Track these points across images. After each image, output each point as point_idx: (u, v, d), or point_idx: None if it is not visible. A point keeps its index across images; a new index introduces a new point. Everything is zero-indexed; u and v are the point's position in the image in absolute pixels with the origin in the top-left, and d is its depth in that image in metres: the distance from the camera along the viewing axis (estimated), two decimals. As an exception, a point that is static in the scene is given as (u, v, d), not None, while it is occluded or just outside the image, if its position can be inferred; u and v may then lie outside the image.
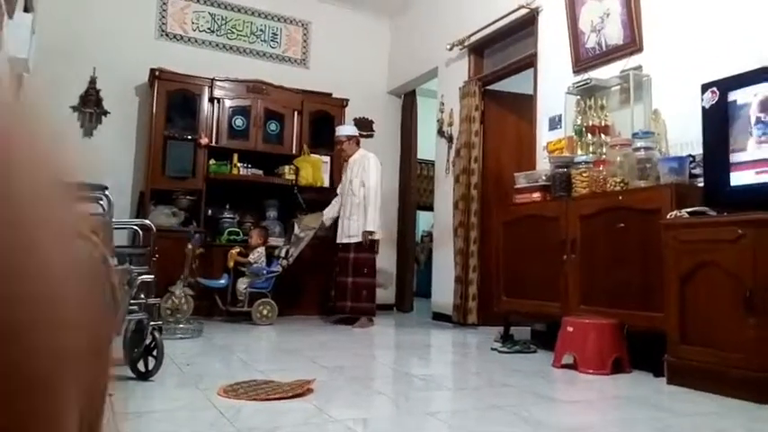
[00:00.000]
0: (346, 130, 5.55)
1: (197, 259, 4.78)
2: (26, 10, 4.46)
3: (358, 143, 5.49)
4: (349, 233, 5.19)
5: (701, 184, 3.02)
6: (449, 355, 4.00)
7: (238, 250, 5.13)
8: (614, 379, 2.96)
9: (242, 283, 5.02)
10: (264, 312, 4.95)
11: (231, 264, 5.06)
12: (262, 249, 5.21)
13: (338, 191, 5.53)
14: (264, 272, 5.10)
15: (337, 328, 4.86)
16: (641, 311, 3.10)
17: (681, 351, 2.75)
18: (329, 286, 5.60)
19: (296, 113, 6.13)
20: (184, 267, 4.75)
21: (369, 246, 5.12)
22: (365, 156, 5.36)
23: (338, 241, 5.27)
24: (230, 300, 5.00)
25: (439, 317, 5.66)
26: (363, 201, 5.15)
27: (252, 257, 5.13)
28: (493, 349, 3.82)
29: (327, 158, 6.24)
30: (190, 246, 4.83)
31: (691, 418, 2.25)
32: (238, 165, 5.82)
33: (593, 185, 3.63)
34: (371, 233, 5.10)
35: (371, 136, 6.62)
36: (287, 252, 5.24)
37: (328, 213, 5.44)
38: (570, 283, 3.58)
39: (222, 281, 5.06)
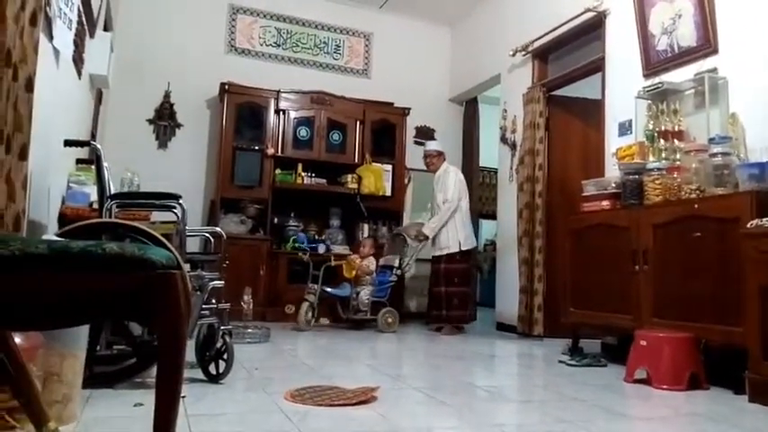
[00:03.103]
0: (432, 145, 5.75)
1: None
2: (105, 29, 4.73)
3: (444, 158, 5.61)
4: (440, 246, 5.34)
5: (785, 191, 2.85)
6: (514, 367, 3.92)
7: (360, 260, 5.36)
8: (691, 395, 2.82)
9: (365, 293, 5.23)
10: (390, 321, 5.18)
11: (353, 274, 5.28)
12: (373, 259, 5.41)
13: None
14: (382, 281, 5.33)
15: (399, 336, 4.88)
16: (718, 325, 2.95)
17: (763, 368, 2.59)
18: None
19: (358, 123, 6.21)
20: (319, 277, 5.10)
21: (460, 257, 5.27)
22: (446, 170, 5.51)
23: (432, 254, 5.43)
24: (351, 308, 5.23)
25: (503, 327, 5.57)
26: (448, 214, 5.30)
27: (372, 267, 5.36)
28: (560, 362, 3.73)
29: (389, 167, 6.30)
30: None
31: (776, 439, 2.12)
32: (302, 174, 5.96)
33: (667, 193, 3.49)
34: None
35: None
36: (401, 262, 5.41)
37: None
38: (642, 295, 3.45)
39: (346, 290, 5.27)
